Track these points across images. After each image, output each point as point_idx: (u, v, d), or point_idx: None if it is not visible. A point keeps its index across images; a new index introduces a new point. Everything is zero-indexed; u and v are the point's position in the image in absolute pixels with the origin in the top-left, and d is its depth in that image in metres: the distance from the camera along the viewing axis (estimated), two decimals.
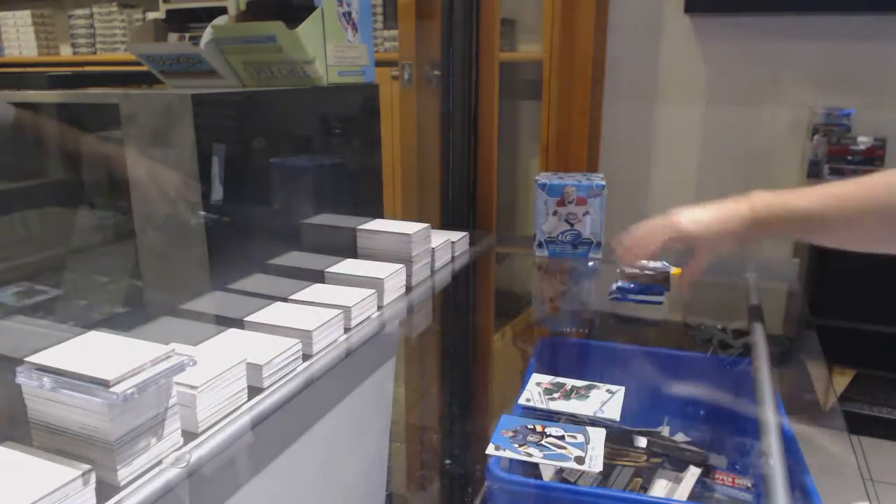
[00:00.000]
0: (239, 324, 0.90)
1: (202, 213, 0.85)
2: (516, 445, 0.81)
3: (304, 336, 0.86)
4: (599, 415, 0.91)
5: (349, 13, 1.14)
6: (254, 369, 0.78)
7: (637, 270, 1.19)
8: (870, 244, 0.81)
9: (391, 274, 1.07)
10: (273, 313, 0.92)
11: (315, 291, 1.01)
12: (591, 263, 1.42)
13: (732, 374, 1.08)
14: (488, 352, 1.41)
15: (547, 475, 0.97)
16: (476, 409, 1.19)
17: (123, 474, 0.60)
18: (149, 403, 0.62)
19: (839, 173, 2.10)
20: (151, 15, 3.28)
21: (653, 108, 2.59)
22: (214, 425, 0.70)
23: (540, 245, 1.43)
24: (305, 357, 0.86)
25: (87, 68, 3.58)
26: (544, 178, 1.41)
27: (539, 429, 0.85)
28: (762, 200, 0.98)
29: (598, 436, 0.84)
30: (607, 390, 0.97)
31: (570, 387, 0.98)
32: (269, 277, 0.99)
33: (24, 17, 3.80)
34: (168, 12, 1.11)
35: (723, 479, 0.96)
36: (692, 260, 1.00)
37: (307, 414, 0.87)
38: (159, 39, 1.12)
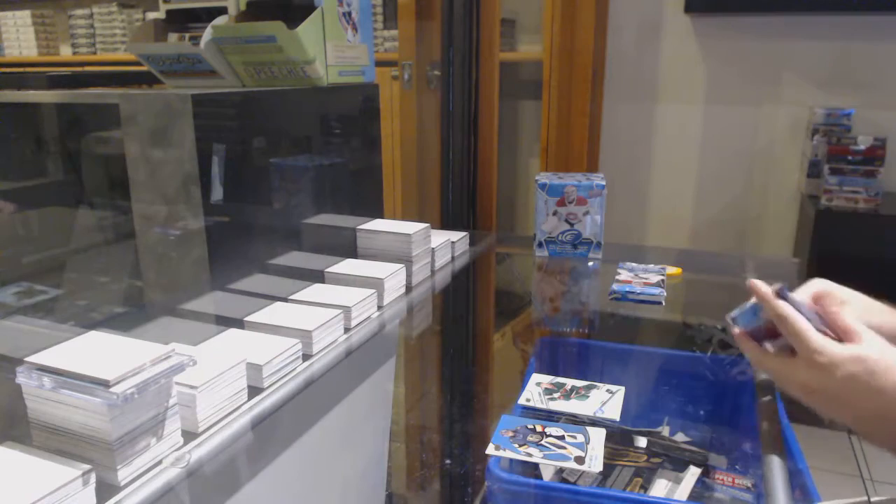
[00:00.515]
0: (239, 324, 0.90)
1: (202, 213, 0.85)
2: (516, 445, 0.81)
3: (304, 336, 0.86)
4: (599, 415, 0.91)
5: (349, 13, 1.14)
6: (254, 369, 0.78)
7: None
8: None
9: (391, 274, 1.07)
10: (273, 313, 0.92)
11: (315, 291, 1.01)
12: (591, 263, 1.42)
13: (732, 374, 1.08)
14: (488, 352, 1.41)
15: (547, 475, 0.97)
16: (476, 409, 1.19)
17: (123, 474, 0.60)
18: (149, 403, 0.62)
19: (839, 173, 2.10)
20: (151, 15, 3.28)
21: (653, 108, 2.59)
22: (214, 425, 0.70)
23: (540, 245, 1.43)
24: (305, 357, 0.86)
25: (87, 68, 3.58)
26: (544, 178, 1.41)
27: (539, 429, 0.85)
28: None
29: (598, 436, 0.83)
30: (607, 390, 0.97)
31: (570, 387, 0.98)
32: (269, 277, 0.99)
33: (24, 17, 3.80)
34: (168, 12, 1.11)
35: (723, 479, 0.96)
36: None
37: (307, 414, 0.87)
38: (159, 39, 1.12)
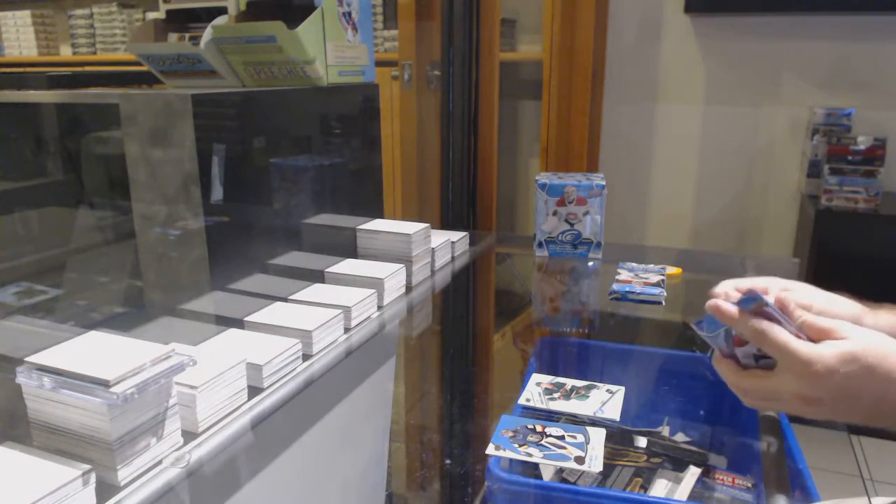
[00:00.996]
0: (239, 324, 0.90)
1: (202, 213, 0.85)
2: (516, 445, 0.81)
3: (304, 336, 0.86)
4: (599, 415, 0.91)
5: (349, 13, 1.14)
6: (254, 369, 0.78)
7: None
8: None
9: (391, 274, 1.07)
10: (273, 313, 0.92)
11: (315, 291, 1.01)
12: (591, 263, 1.42)
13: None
14: (488, 352, 1.41)
15: (547, 475, 0.97)
16: (476, 409, 1.19)
17: (123, 474, 0.60)
18: (149, 403, 0.62)
19: (839, 173, 2.10)
20: (151, 15, 3.28)
21: (653, 108, 2.59)
22: (214, 425, 0.70)
23: (540, 245, 1.43)
24: (305, 357, 0.86)
25: (87, 68, 3.58)
26: (544, 178, 1.41)
27: (539, 429, 0.85)
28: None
29: (598, 436, 0.83)
30: (607, 390, 0.97)
31: (570, 387, 0.98)
32: (269, 277, 0.99)
33: (24, 17, 3.80)
34: (168, 12, 1.11)
35: (723, 479, 0.96)
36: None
37: (307, 414, 0.87)
38: (159, 39, 1.12)
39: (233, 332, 0.86)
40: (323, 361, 0.87)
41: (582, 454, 0.80)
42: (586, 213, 1.39)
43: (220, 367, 0.71)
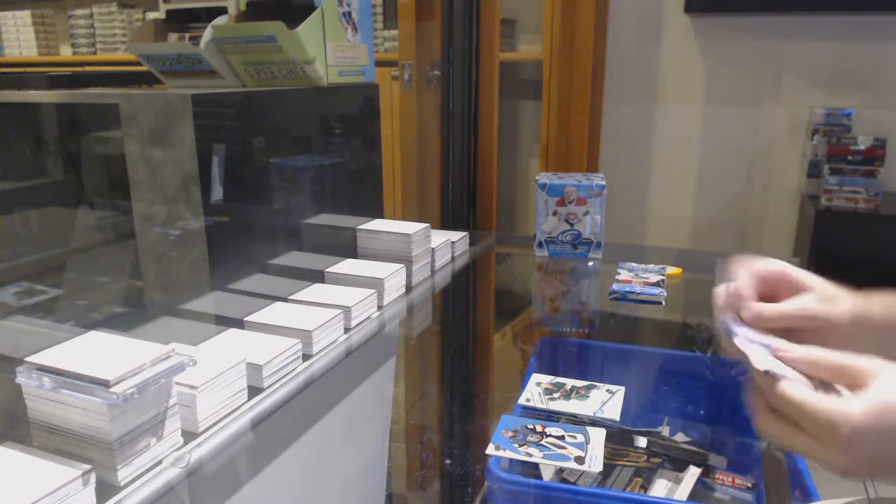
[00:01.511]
0: (239, 324, 0.90)
1: (202, 213, 0.85)
2: (516, 445, 0.81)
3: (304, 336, 0.86)
4: (599, 415, 0.91)
5: (349, 13, 1.14)
6: (254, 369, 0.78)
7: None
8: None
9: (391, 274, 1.07)
10: (273, 313, 0.92)
11: (315, 291, 1.01)
12: (591, 263, 1.42)
13: (732, 374, 1.08)
14: (488, 352, 1.41)
15: (547, 475, 0.97)
16: (476, 409, 1.19)
17: (123, 474, 0.60)
18: (149, 403, 0.61)
19: (839, 173, 2.10)
20: (151, 15, 3.28)
21: (653, 108, 2.59)
22: (214, 425, 0.70)
23: (540, 245, 1.43)
24: (305, 357, 0.86)
25: (87, 68, 3.58)
26: (544, 178, 1.41)
27: (539, 429, 0.85)
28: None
29: (598, 436, 0.83)
30: (607, 390, 0.97)
31: (570, 387, 0.98)
32: (269, 277, 0.99)
33: (24, 17, 3.80)
34: (168, 12, 1.11)
35: (723, 479, 0.96)
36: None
37: (307, 414, 0.87)
38: (159, 39, 1.12)
39: (233, 332, 0.86)
40: (323, 361, 0.87)
41: (582, 454, 0.80)
42: (586, 213, 1.39)
43: (220, 367, 0.71)
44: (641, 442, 1.04)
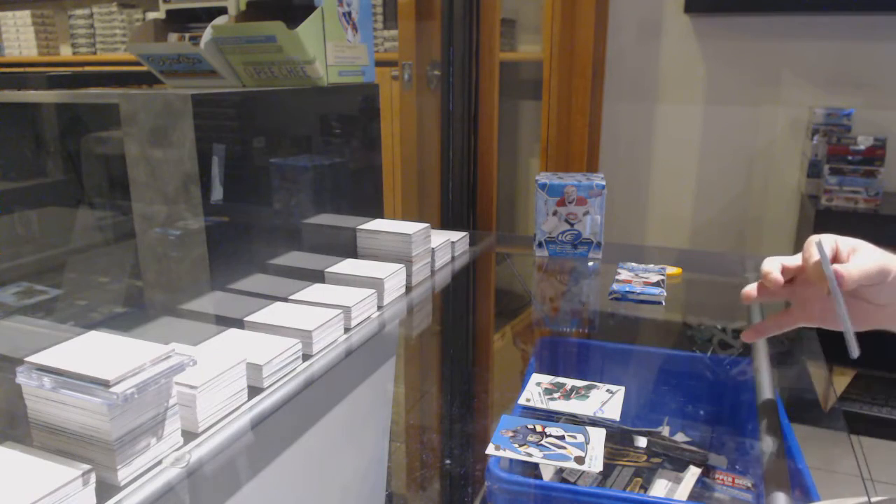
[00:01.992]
0: (239, 324, 0.90)
1: (202, 213, 0.85)
2: (516, 445, 0.81)
3: (304, 336, 0.86)
4: (599, 415, 0.91)
5: (349, 13, 1.14)
6: (254, 369, 0.78)
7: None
8: None
9: (391, 274, 1.07)
10: (273, 313, 0.92)
11: (315, 291, 1.01)
12: (591, 263, 1.42)
13: (732, 374, 1.08)
14: (488, 352, 1.41)
15: (547, 475, 0.97)
16: (476, 409, 1.19)
17: (123, 474, 0.60)
18: (149, 403, 0.61)
19: (839, 173, 2.10)
20: (151, 15, 3.28)
21: (653, 108, 2.59)
22: (214, 425, 0.70)
23: (540, 245, 1.43)
24: (305, 357, 0.86)
25: (87, 68, 3.58)
26: (544, 178, 1.41)
27: (539, 429, 0.85)
28: None
29: (598, 436, 0.83)
30: (607, 390, 0.97)
31: (570, 387, 0.98)
32: (269, 277, 0.99)
33: (24, 17, 3.80)
34: (168, 12, 1.11)
35: (723, 479, 0.96)
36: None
37: (307, 414, 0.87)
38: (159, 39, 1.12)
39: (233, 332, 0.86)
40: (323, 361, 0.87)
41: (582, 454, 0.80)
42: (586, 213, 1.39)
43: (220, 367, 0.71)
44: (641, 442, 1.04)
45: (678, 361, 1.13)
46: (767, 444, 0.78)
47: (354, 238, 1.18)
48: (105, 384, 0.58)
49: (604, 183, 1.38)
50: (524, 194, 2.90)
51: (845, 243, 0.73)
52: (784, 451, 0.77)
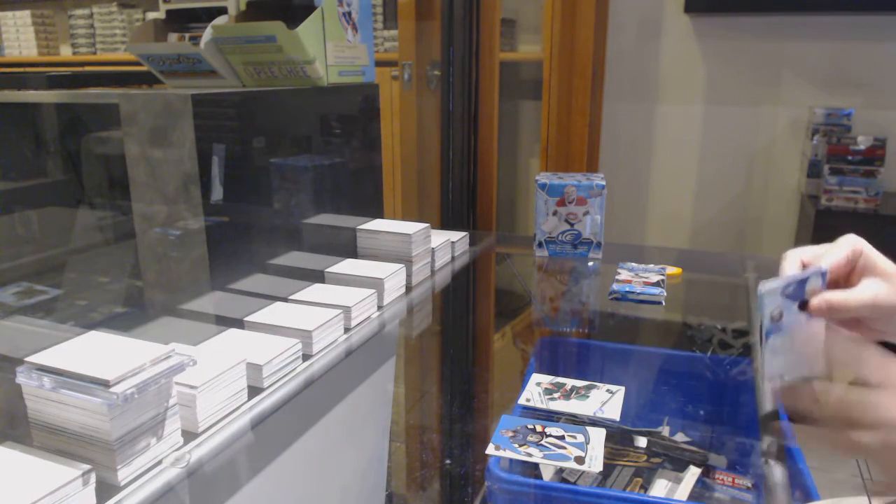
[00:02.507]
0: (239, 324, 0.90)
1: (202, 213, 0.85)
2: (516, 445, 0.81)
3: (304, 336, 0.86)
4: (599, 415, 0.91)
5: (349, 13, 1.14)
6: (254, 369, 0.78)
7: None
8: None
9: (391, 274, 1.07)
10: (273, 313, 0.92)
11: (315, 291, 1.01)
12: (591, 263, 1.42)
13: (732, 374, 1.08)
14: (488, 352, 1.41)
15: (547, 475, 0.97)
16: (476, 409, 1.19)
17: (123, 474, 0.60)
18: (149, 403, 0.61)
19: (839, 173, 2.10)
20: (151, 15, 3.28)
21: (653, 108, 2.59)
22: (214, 425, 0.70)
23: (540, 245, 1.43)
24: (305, 357, 0.86)
25: (87, 68, 3.58)
26: (544, 178, 1.41)
27: (539, 429, 0.85)
28: None
29: (598, 436, 0.83)
30: (607, 390, 0.97)
31: (570, 387, 0.98)
32: (269, 277, 0.99)
33: (24, 17, 3.80)
34: (168, 12, 1.11)
35: (723, 479, 0.96)
36: None
37: (307, 414, 0.86)
38: (159, 39, 1.12)
39: (233, 332, 0.86)
40: (323, 361, 0.87)
41: (582, 454, 0.80)
42: (586, 213, 1.39)
43: (220, 367, 0.71)
44: (641, 442, 1.04)
45: (678, 361, 1.13)
46: (767, 444, 0.78)
47: (354, 238, 1.18)
48: (105, 384, 0.58)
49: (604, 183, 1.38)
50: (524, 194, 2.90)
51: (868, 259, 0.61)
52: (784, 451, 0.77)
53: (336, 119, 1.17)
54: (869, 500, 0.72)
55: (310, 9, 1.05)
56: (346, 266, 1.10)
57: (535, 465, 0.95)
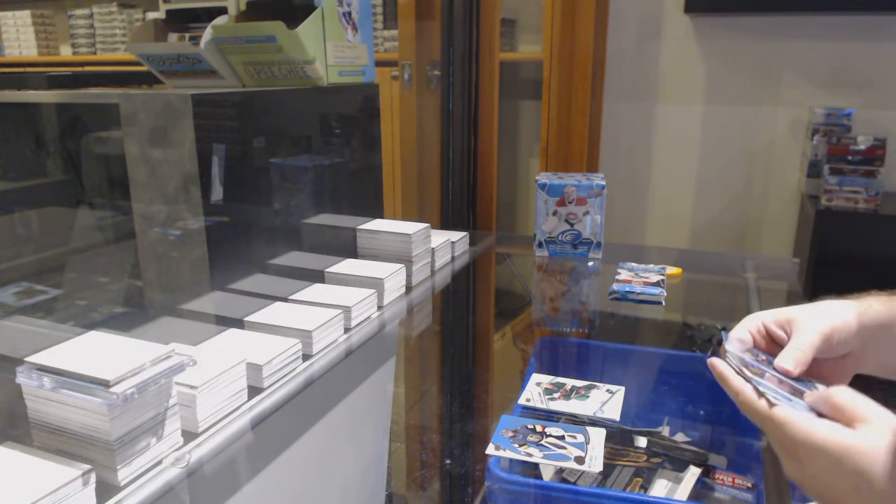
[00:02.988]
0: (239, 324, 0.90)
1: (202, 213, 0.85)
2: (516, 445, 0.81)
3: (304, 336, 0.86)
4: (599, 415, 0.91)
5: (349, 13, 1.14)
6: (254, 369, 0.78)
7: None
8: None
9: (391, 274, 1.07)
10: (273, 313, 0.92)
11: (315, 291, 1.01)
12: (591, 263, 1.42)
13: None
14: (488, 352, 1.41)
15: (547, 475, 0.97)
16: (476, 409, 1.19)
17: (123, 474, 0.60)
18: (149, 403, 0.61)
19: (839, 173, 2.10)
20: (151, 15, 3.28)
21: (653, 108, 2.59)
22: (214, 425, 0.70)
23: (540, 245, 1.43)
24: (305, 357, 0.86)
25: (87, 68, 3.58)
26: (544, 178, 1.41)
27: (539, 429, 0.85)
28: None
29: (598, 436, 0.83)
30: (607, 390, 0.97)
31: (570, 387, 0.98)
32: (269, 277, 0.99)
33: (24, 17, 3.80)
34: (168, 12, 1.11)
35: (723, 479, 0.96)
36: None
37: (307, 414, 0.87)
38: (159, 39, 1.12)
39: (233, 332, 0.86)
40: (323, 361, 0.87)
41: (582, 454, 0.80)
42: (586, 213, 1.39)
43: (220, 367, 0.71)
44: (641, 442, 1.03)
45: (678, 361, 1.13)
46: (767, 444, 0.78)
47: (354, 238, 1.18)
48: (105, 384, 0.58)
49: (604, 183, 1.38)
50: (524, 194, 2.90)
51: (776, 319, 0.65)
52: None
53: (336, 119, 1.17)
54: None
55: (310, 9, 1.05)
56: (346, 266, 1.10)
57: (535, 465, 0.94)
